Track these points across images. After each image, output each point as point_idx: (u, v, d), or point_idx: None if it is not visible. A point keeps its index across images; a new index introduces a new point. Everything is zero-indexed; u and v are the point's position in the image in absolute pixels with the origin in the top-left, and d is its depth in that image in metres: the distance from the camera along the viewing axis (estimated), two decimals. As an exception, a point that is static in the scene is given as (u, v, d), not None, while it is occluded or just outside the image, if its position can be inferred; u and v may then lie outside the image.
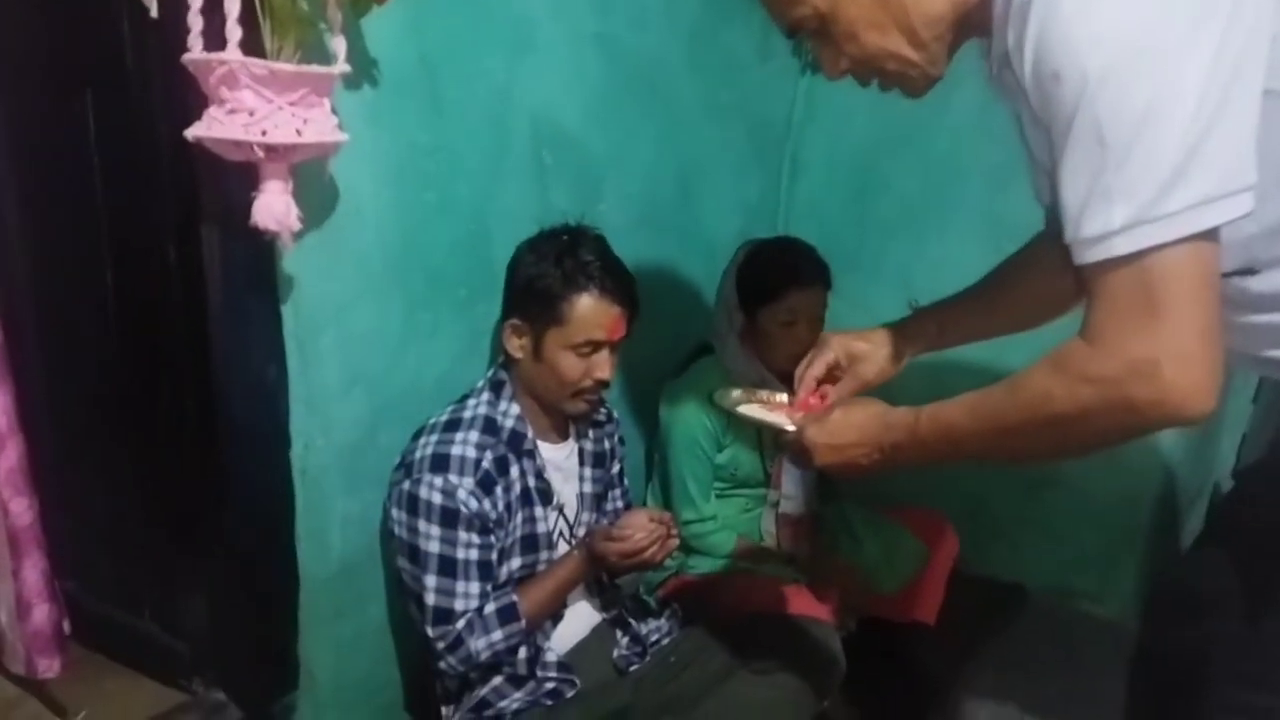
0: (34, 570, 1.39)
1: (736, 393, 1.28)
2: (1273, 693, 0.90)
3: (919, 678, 1.87)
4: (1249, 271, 0.82)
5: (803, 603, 1.75)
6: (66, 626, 1.48)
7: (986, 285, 1.21)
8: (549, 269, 1.36)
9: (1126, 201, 0.70)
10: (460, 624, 1.31)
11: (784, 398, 1.24)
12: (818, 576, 1.81)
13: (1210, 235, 0.71)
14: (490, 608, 1.33)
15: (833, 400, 1.18)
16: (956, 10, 0.88)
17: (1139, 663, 1.16)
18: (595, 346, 1.39)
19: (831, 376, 1.20)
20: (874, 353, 1.19)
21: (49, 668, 1.44)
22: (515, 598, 1.36)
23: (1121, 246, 0.71)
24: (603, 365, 1.40)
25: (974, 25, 0.89)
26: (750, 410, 1.21)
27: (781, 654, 1.50)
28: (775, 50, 2.17)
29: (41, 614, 1.41)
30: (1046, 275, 1.10)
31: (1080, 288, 0.77)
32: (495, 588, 1.36)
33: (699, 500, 1.83)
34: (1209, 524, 1.18)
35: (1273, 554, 0.90)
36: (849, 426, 1.01)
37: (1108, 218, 0.71)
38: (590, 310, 1.36)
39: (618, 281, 1.39)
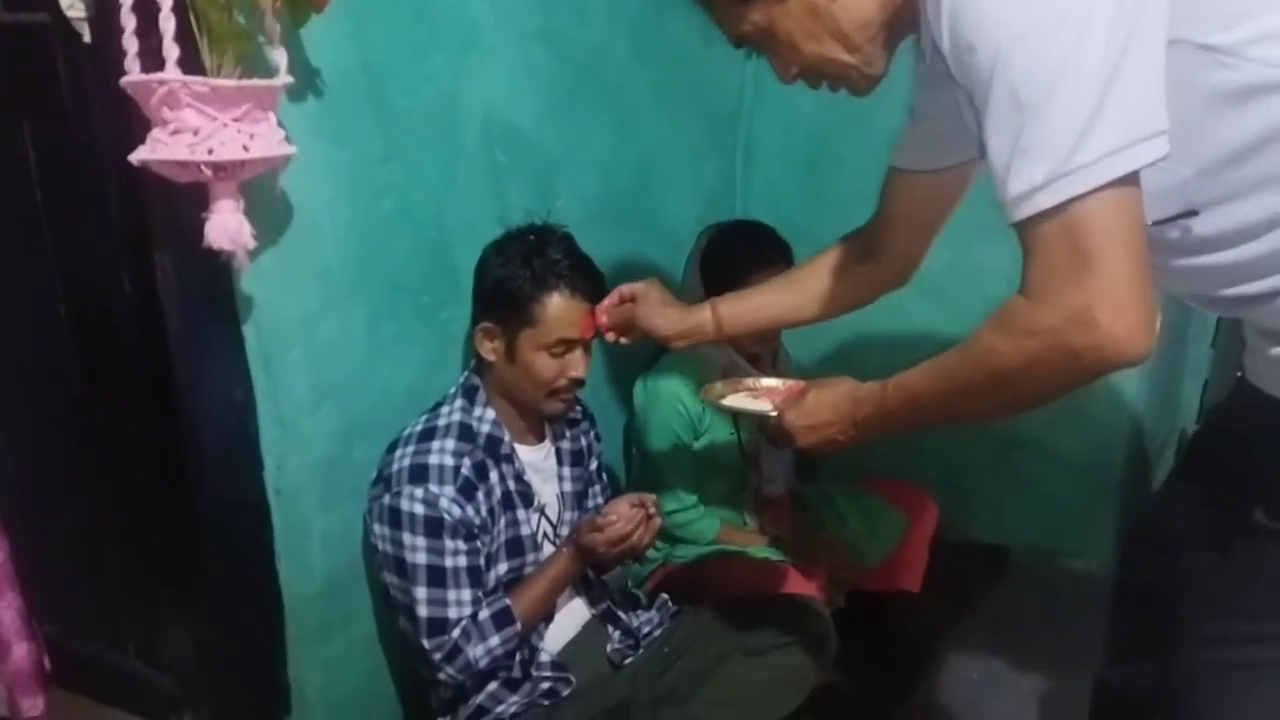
0: (9, 609, 1.37)
1: (719, 385, 1.32)
2: (1246, 620, 0.92)
3: (910, 645, 1.89)
4: (1191, 214, 0.85)
5: (791, 582, 1.76)
6: (47, 664, 1.45)
7: (777, 282, 1.39)
8: (518, 270, 1.36)
9: (1045, 157, 0.73)
10: (456, 633, 1.30)
11: (766, 381, 1.30)
12: (804, 555, 1.82)
13: (1130, 181, 0.74)
14: (485, 613, 1.33)
15: (603, 319, 1.39)
16: (884, 12, 0.93)
17: (1117, 601, 1.19)
18: (568, 345, 1.38)
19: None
20: (663, 305, 1.38)
21: (33, 706, 1.42)
22: (509, 601, 1.35)
23: (1045, 201, 0.74)
24: (577, 364, 1.40)
25: (904, 23, 0.93)
26: (734, 401, 1.25)
27: (774, 634, 1.51)
28: (719, 35, 2.17)
29: (21, 652, 1.39)
30: (836, 273, 1.32)
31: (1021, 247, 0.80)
32: (486, 593, 1.35)
33: (680, 489, 1.83)
34: (1177, 464, 1.21)
35: (1239, 487, 0.93)
36: (822, 406, 1.07)
37: (1030, 174, 0.74)
38: (561, 309, 1.36)
39: (587, 279, 1.39)
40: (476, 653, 1.31)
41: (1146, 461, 2.10)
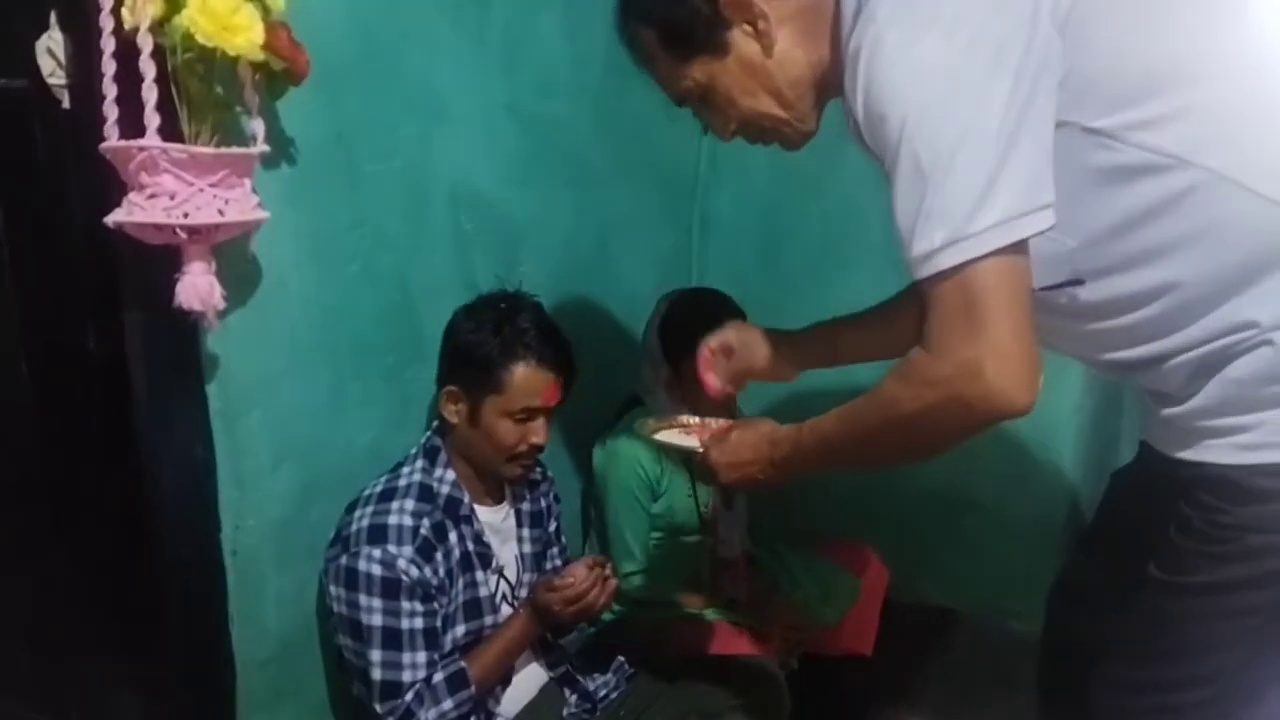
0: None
1: (652, 421, 1.37)
2: (1145, 668, 0.97)
3: (862, 708, 1.90)
4: (1077, 282, 0.91)
5: (745, 644, 1.78)
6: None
7: (883, 307, 1.33)
8: (487, 337, 1.38)
9: (944, 222, 0.79)
10: (409, 696, 1.29)
11: (696, 420, 1.37)
12: (759, 616, 1.84)
13: (1019, 248, 0.80)
14: (439, 676, 1.32)
15: (717, 383, 1.34)
16: (814, 72, 1.00)
17: (1041, 659, 1.23)
18: (531, 413, 1.40)
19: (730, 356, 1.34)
20: (760, 341, 1.32)
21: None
22: (464, 664, 1.35)
23: (944, 262, 0.80)
24: (539, 431, 1.42)
25: (832, 86, 0.99)
26: (665, 437, 1.31)
27: (728, 697, 1.53)
28: (678, 110, 2.26)
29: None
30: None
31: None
32: (442, 656, 1.35)
33: (637, 551, 1.85)
34: (1090, 522, 1.27)
35: (1137, 542, 0.98)
36: (744, 446, 1.13)
37: (930, 238, 0.80)
38: (528, 379, 1.38)
39: (555, 350, 1.42)
40: (429, 716, 1.30)
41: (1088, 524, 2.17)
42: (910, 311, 1.21)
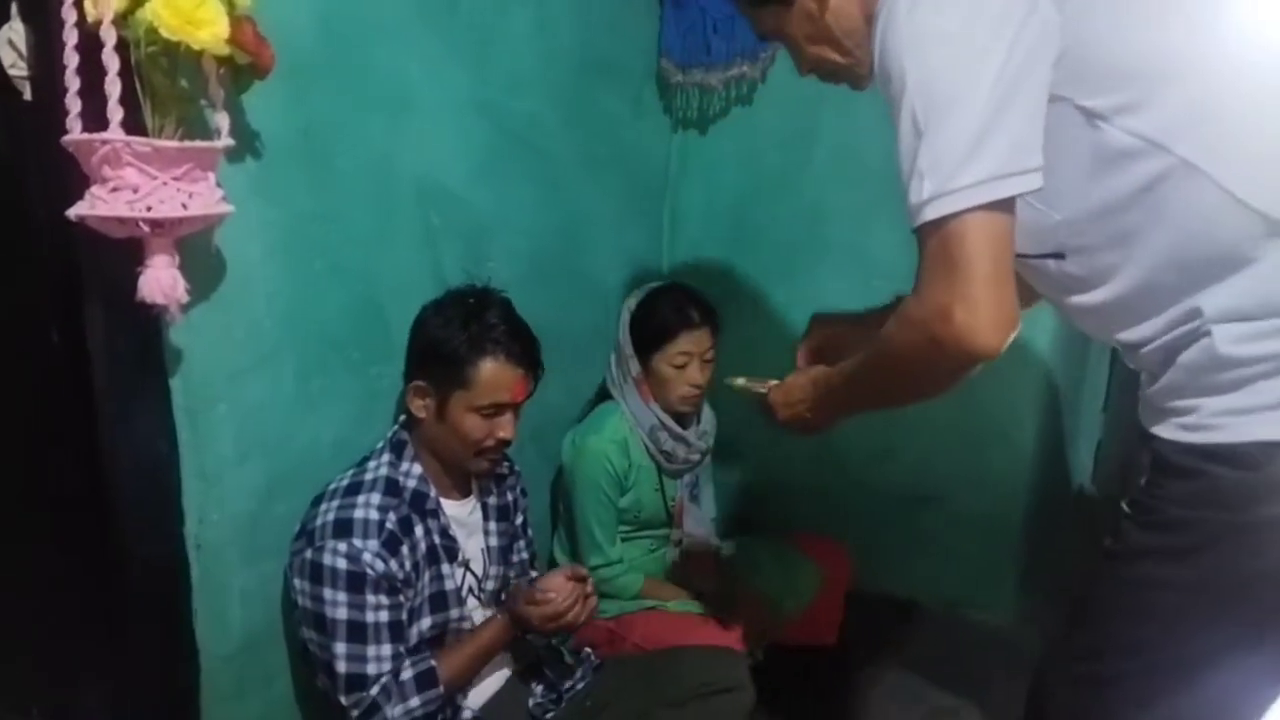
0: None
1: (740, 379, 1.48)
2: (1085, 631, 1.02)
3: (826, 697, 1.94)
4: (1059, 255, 0.97)
5: (711, 634, 1.80)
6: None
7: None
8: (455, 333, 1.38)
9: (932, 177, 0.86)
10: (375, 689, 1.30)
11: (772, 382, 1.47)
12: (725, 607, 1.86)
13: (1002, 206, 0.85)
14: (408, 673, 1.33)
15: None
16: (868, 25, 1.04)
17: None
18: (499, 409, 1.41)
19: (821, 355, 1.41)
20: (847, 336, 1.39)
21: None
22: (434, 663, 1.36)
23: (929, 214, 0.86)
24: (506, 426, 1.43)
25: None
26: (744, 383, 1.45)
27: (693, 685, 1.54)
28: (648, 108, 2.29)
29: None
30: None
31: None
32: (408, 649, 1.35)
33: (605, 545, 1.86)
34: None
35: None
36: (795, 387, 1.27)
37: (920, 191, 0.86)
38: (495, 374, 1.39)
39: (523, 345, 1.43)
40: (395, 712, 1.30)
41: (1044, 520, 2.22)
42: None
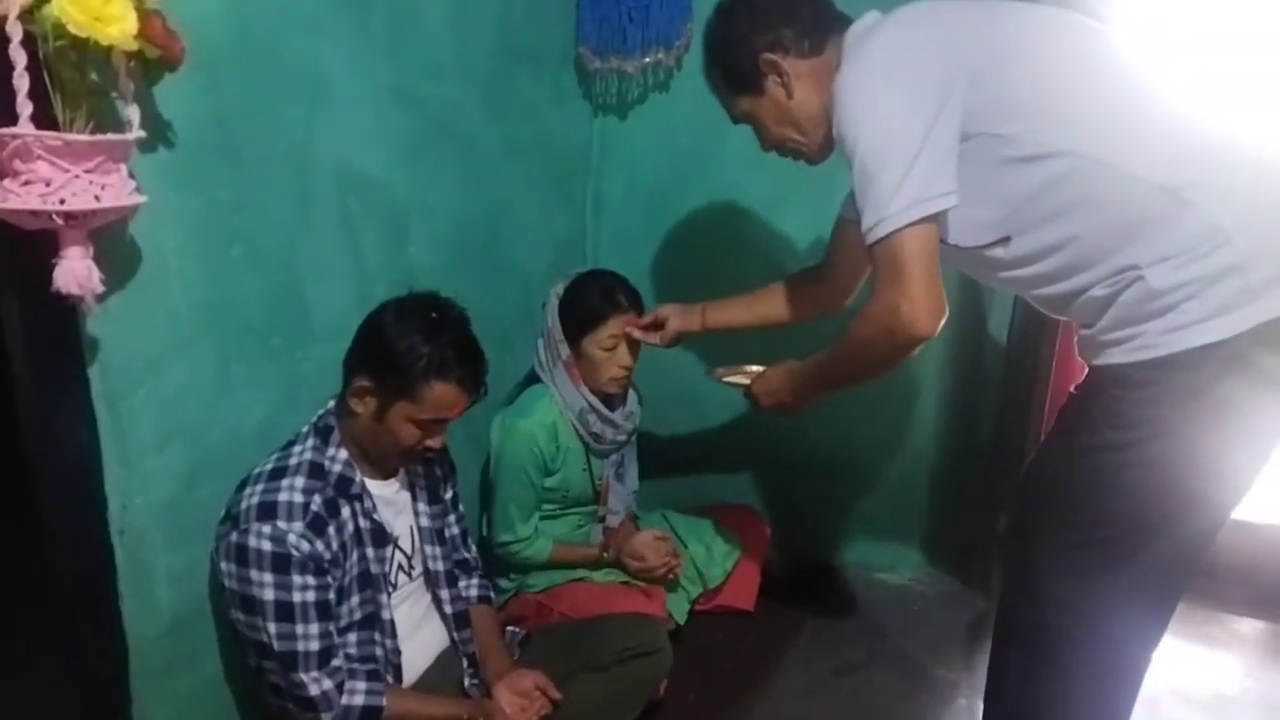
0: None
1: (720, 369, 1.80)
2: (1067, 512, 1.24)
3: (742, 658, 2.03)
4: (1006, 239, 1.24)
5: (634, 603, 1.88)
6: None
7: (752, 293, 1.86)
8: (414, 347, 1.38)
9: (875, 208, 1.19)
10: (314, 691, 1.35)
11: (749, 368, 1.75)
12: (626, 553, 1.96)
13: (927, 222, 1.18)
14: (358, 699, 1.38)
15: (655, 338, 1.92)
16: (824, 110, 1.35)
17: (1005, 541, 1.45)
18: (439, 423, 1.45)
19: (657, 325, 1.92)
20: (672, 316, 1.90)
21: None
22: (384, 702, 1.40)
23: (877, 233, 1.20)
24: (439, 436, 1.46)
25: None
26: (729, 378, 1.76)
27: (614, 650, 1.62)
28: (568, 94, 2.33)
29: None
30: (794, 291, 1.81)
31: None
32: (337, 629, 1.39)
33: (517, 523, 1.91)
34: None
35: (1065, 427, 1.30)
36: (774, 378, 1.62)
37: (868, 219, 1.20)
38: (444, 395, 1.41)
39: (475, 371, 1.45)
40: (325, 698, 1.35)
41: (948, 480, 2.36)
42: (779, 294, 1.83)
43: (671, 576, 1.98)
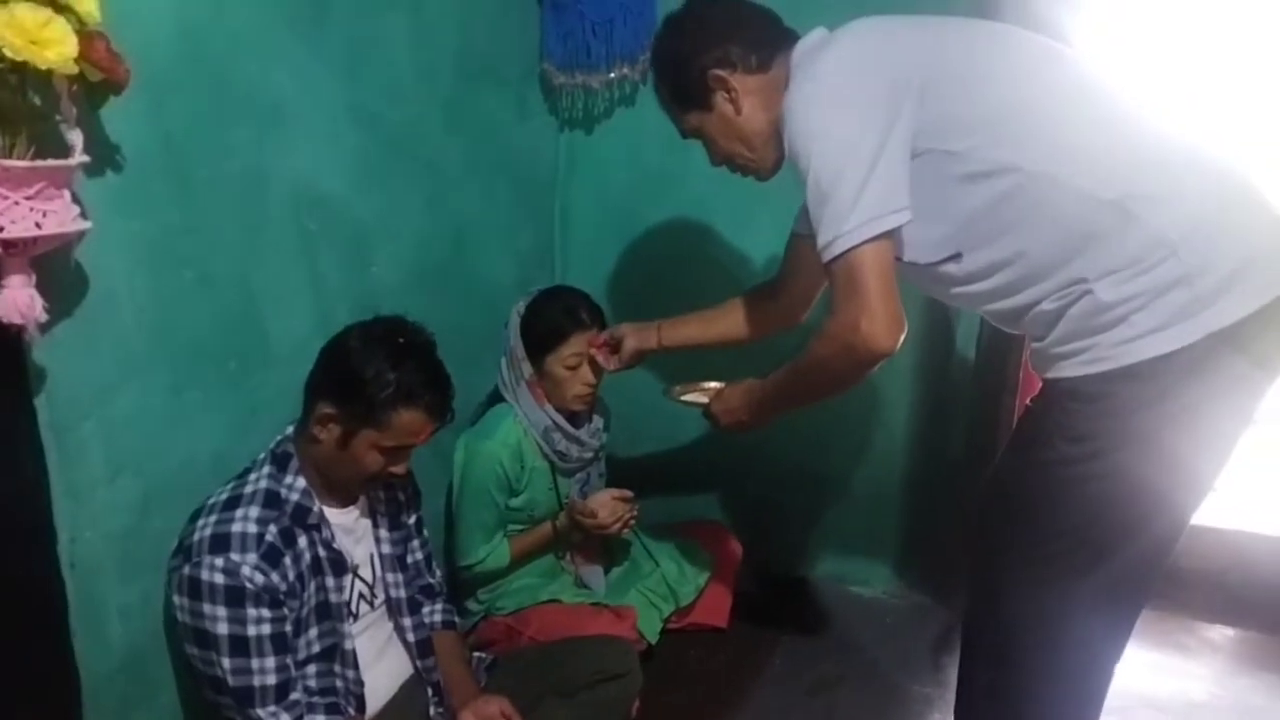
0: None
1: (678, 387, 1.81)
2: (1023, 526, 1.24)
3: (715, 678, 2.01)
4: (958, 256, 1.24)
5: (604, 624, 1.86)
6: None
7: (708, 310, 1.85)
8: (381, 374, 1.36)
9: (830, 227, 1.19)
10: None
11: (707, 384, 1.77)
12: (578, 514, 1.93)
13: (882, 239, 1.18)
14: None
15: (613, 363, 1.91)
16: (772, 127, 1.38)
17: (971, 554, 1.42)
18: (404, 449, 1.42)
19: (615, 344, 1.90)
20: (628, 336, 1.88)
21: None
22: None
23: (832, 251, 1.19)
24: (403, 463, 1.44)
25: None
26: (687, 397, 1.77)
27: (584, 674, 1.60)
28: (533, 110, 2.32)
29: None
30: (750, 308, 1.79)
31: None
32: (295, 661, 1.36)
33: (480, 545, 1.90)
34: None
35: (1020, 440, 1.31)
36: (733, 397, 1.62)
37: (824, 236, 1.20)
38: (411, 423, 1.38)
39: (443, 397, 1.42)
40: None
41: (919, 491, 2.36)
42: (734, 310, 1.81)
43: (625, 531, 1.96)
